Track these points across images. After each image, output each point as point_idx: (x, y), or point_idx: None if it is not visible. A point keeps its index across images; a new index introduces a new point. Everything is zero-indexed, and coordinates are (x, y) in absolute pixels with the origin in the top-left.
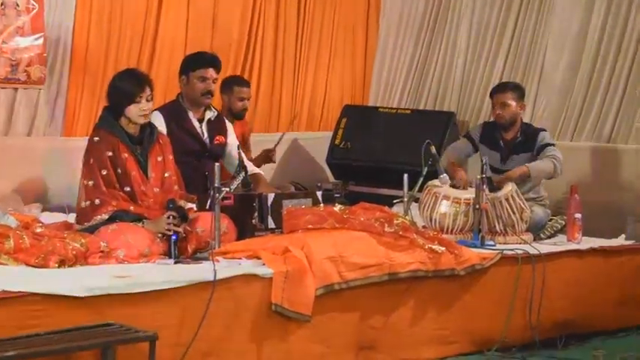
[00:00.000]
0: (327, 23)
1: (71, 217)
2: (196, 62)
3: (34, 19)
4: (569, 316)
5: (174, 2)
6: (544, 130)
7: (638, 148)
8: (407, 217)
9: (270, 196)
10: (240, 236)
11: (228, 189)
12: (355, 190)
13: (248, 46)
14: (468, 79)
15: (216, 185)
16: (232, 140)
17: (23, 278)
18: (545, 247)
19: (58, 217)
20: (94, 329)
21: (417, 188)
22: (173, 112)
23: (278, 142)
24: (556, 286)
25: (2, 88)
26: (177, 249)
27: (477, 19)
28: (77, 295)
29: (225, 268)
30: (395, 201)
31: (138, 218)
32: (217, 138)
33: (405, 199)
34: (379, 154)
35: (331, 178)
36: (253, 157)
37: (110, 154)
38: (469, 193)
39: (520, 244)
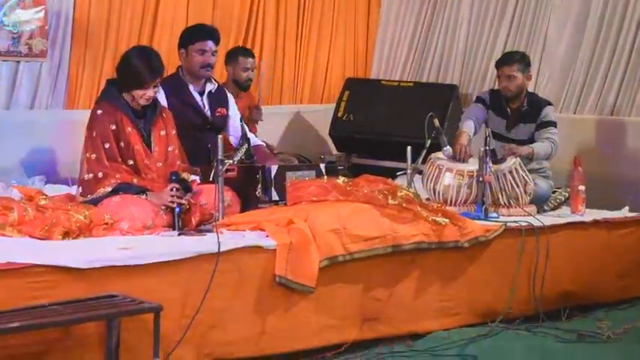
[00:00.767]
0: None
1: (75, 190)
2: (195, 35)
3: None
4: (573, 287)
5: None
6: (550, 104)
7: None
8: (410, 189)
9: (274, 168)
10: (244, 208)
11: (231, 161)
12: (358, 163)
13: (249, 20)
14: (470, 52)
15: (219, 157)
16: (234, 112)
17: (27, 250)
18: (548, 219)
19: (62, 190)
20: (99, 301)
21: (420, 160)
22: (173, 85)
23: (260, 96)
24: (559, 258)
25: (4, 61)
26: (181, 221)
27: None
28: (81, 266)
29: (229, 240)
30: (398, 173)
31: (141, 190)
32: (219, 110)
33: (409, 172)
34: (382, 126)
35: (334, 151)
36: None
37: (114, 127)
38: (472, 166)
39: (524, 216)
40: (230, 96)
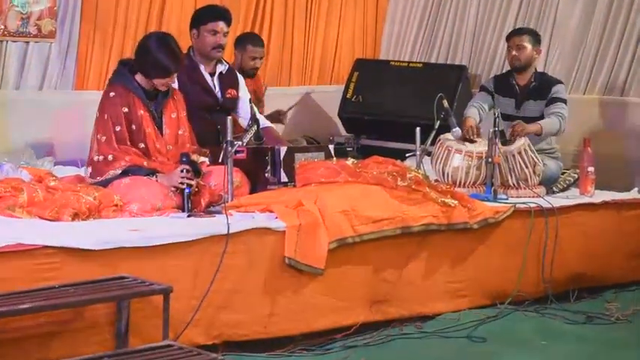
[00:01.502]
0: None
1: (84, 171)
2: (207, 16)
3: None
4: (582, 269)
5: None
6: (561, 82)
7: None
8: (419, 170)
9: (283, 150)
10: (253, 190)
11: (240, 142)
12: (367, 144)
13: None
14: (480, 32)
15: (228, 139)
16: (244, 94)
17: (37, 231)
18: (557, 200)
19: (71, 171)
20: (109, 282)
21: (429, 142)
22: (184, 66)
23: (292, 107)
24: (569, 239)
25: (13, 41)
26: (191, 203)
27: None
28: (91, 248)
29: (238, 222)
30: (407, 155)
31: (151, 172)
32: (229, 91)
33: (418, 153)
34: (391, 107)
35: (343, 132)
36: (265, 115)
37: (126, 110)
38: (482, 147)
39: (533, 197)
40: (240, 77)
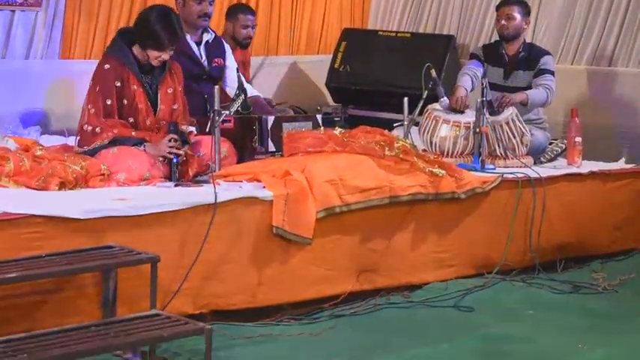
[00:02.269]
0: None
1: (70, 140)
2: None
3: None
4: (569, 239)
5: None
6: (549, 53)
7: (638, 71)
8: (407, 140)
9: (270, 119)
10: (241, 159)
11: (227, 112)
12: (355, 114)
13: None
14: (468, 2)
15: (215, 108)
16: (231, 63)
17: (24, 200)
18: (545, 170)
19: (58, 140)
20: (96, 251)
21: (417, 112)
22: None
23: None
24: (556, 209)
25: None
26: (178, 172)
27: None
28: (77, 217)
29: (225, 191)
30: (395, 125)
31: (139, 142)
32: (216, 60)
33: (405, 123)
34: (379, 77)
35: (331, 102)
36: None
37: (118, 84)
38: (469, 117)
39: (520, 167)
40: (227, 47)
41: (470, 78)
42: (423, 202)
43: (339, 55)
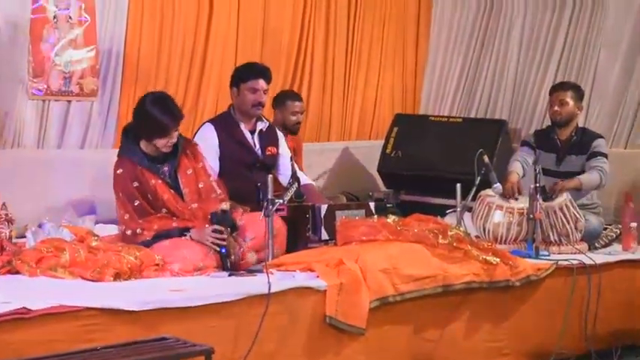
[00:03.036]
0: (377, 32)
1: None
2: (247, 73)
3: (86, 32)
4: (625, 327)
5: (224, 14)
6: (602, 137)
7: None
8: (460, 227)
9: (324, 207)
10: (294, 248)
11: (281, 200)
12: (407, 199)
13: (298, 56)
14: (519, 86)
15: (268, 197)
16: (284, 151)
17: (79, 292)
18: (600, 256)
19: (112, 229)
20: (150, 343)
21: (470, 198)
22: (225, 123)
23: None
24: (611, 296)
25: (56, 100)
26: (230, 261)
27: (529, 26)
28: (132, 309)
29: (279, 281)
30: (447, 211)
31: (182, 231)
32: (269, 149)
33: (459, 209)
34: (431, 162)
35: (382, 187)
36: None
37: (136, 184)
38: (522, 203)
39: (575, 253)
40: (280, 135)
41: (520, 164)
42: (477, 291)
43: (391, 141)
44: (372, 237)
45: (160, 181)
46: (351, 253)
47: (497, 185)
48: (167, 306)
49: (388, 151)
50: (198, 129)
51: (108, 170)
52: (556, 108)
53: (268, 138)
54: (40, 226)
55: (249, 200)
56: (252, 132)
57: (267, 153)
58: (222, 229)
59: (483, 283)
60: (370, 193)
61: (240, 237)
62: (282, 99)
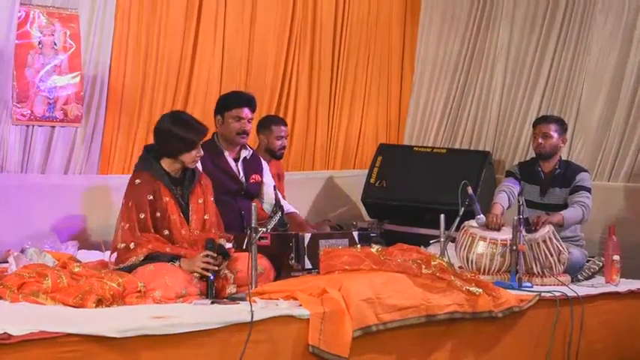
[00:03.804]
0: (361, 64)
1: (108, 255)
2: (232, 102)
3: (71, 58)
4: (609, 358)
5: (209, 44)
6: (586, 170)
7: None
8: (444, 258)
9: (307, 236)
10: (277, 276)
11: (264, 229)
12: (390, 229)
13: (282, 85)
14: (503, 119)
15: (252, 225)
16: (268, 179)
17: (61, 318)
18: (582, 289)
19: (94, 256)
20: None
21: (453, 228)
22: (209, 151)
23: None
24: (595, 328)
25: (40, 126)
26: (215, 289)
27: (513, 59)
28: (114, 335)
29: (262, 309)
30: (431, 241)
31: (174, 258)
32: (253, 177)
33: (442, 240)
34: (415, 193)
35: (366, 217)
36: None
37: (151, 197)
38: (506, 234)
39: (557, 285)
40: (264, 163)
41: (507, 195)
42: (460, 321)
43: (375, 170)
44: (355, 266)
45: (173, 201)
46: (334, 282)
47: (481, 216)
48: (149, 333)
49: (372, 180)
50: None
51: (91, 196)
52: (540, 141)
53: (252, 166)
54: (22, 251)
55: (233, 228)
56: (237, 160)
57: (251, 181)
58: (215, 254)
59: (466, 313)
60: (354, 223)
61: (229, 268)
62: (268, 123)
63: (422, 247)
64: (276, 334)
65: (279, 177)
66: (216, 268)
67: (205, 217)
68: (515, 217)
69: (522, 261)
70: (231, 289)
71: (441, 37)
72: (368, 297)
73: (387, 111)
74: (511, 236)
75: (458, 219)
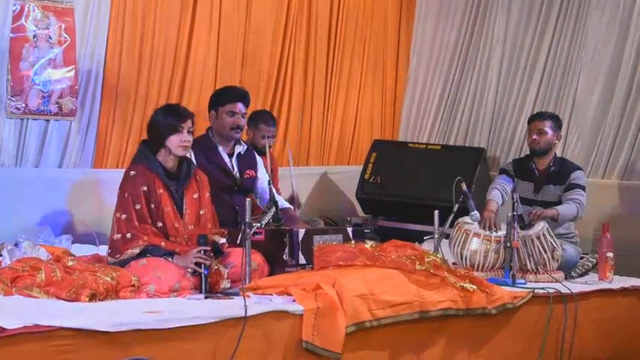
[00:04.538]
0: (356, 58)
1: (102, 249)
2: (226, 97)
3: (66, 52)
4: (601, 355)
5: (204, 37)
6: (580, 168)
7: None
8: (438, 254)
9: (301, 232)
10: (271, 272)
11: (258, 224)
12: (385, 225)
13: (277, 80)
14: (498, 115)
15: (246, 220)
16: (262, 175)
17: (54, 312)
18: (576, 286)
19: (89, 249)
20: None
21: (447, 225)
22: (203, 146)
23: None
24: (588, 325)
25: (34, 119)
26: (209, 284)
27: (508, 55)
28: (107, 330)
29: (255, 305)
30: (425, 237)
31: (168, 253)
32: (248, 172)
33: (436, 236)
34: (409, 189)
35: (361, 213)
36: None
37: (145, 188)
38: (500, 231)
39: (551, 282)
40: (259, 158)
41: (499, 192)
42: (454, 318)
43: (370, 167)
44: (349, 262)
45: (166, 193)
46: (328, 278)
47: (475, 213)
48: (142, 327)
49: (366, 176)
50: None
51: (85, 190)
52: (534, 137)
53: (247, 161)
54: (16, 244)
55: (227, 224)
56: (231, 155)
57: (246, 176)
58: (209, 249)
59: (460, 310)
60: (348, 219)
61: (222, 263)
62: (258, 120)
63: (416, 243)
64: (269, 330)
65: (272, 171)
66: (208, 262)
67: (201, 212)
68: (509, 214)
69: (516, 258)
70: (225, 284)
71: (435, 33)
72: (362, 293)
73: (382, 106)
74: (505, 233)
75: (452, 215)
